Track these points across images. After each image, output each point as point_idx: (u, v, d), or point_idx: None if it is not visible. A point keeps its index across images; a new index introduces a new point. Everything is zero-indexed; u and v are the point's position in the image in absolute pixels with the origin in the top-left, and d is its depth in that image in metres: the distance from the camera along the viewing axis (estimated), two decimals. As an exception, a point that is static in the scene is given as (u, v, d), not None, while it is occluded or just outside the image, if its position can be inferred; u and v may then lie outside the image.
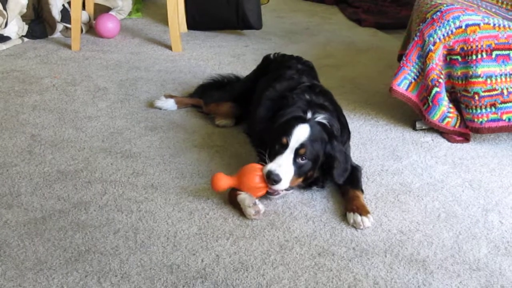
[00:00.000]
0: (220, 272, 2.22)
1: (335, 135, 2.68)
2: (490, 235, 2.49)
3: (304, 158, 2.58)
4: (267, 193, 2.61)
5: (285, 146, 2.58)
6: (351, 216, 2.53)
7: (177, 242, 2.39)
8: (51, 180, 2.80)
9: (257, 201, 2.53)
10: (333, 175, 2.65)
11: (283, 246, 2.38)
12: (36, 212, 2.55)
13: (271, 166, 2.55)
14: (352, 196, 2.64)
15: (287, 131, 2.59)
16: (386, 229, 2.51)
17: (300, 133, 2.59)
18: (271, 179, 2.53)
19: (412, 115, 3.46)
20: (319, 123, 2.67)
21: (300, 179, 2.64)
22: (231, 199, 2.62)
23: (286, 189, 2.62)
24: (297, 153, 2.57)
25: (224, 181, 2.58)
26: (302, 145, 2.57)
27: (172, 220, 2.53)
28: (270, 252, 2.34)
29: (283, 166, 2.55)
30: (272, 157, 2.59)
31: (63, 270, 2.21)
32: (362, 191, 2.71)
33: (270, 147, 2.64)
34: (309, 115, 2.68)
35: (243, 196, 2.55)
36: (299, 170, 2.59)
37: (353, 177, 2.75)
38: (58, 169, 2.90)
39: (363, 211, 2.54)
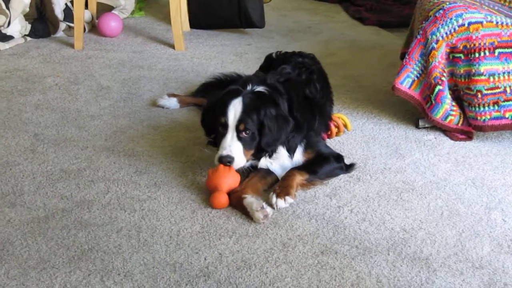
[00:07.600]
0: (223, 271, 2.23)
1: (275, 102, 2.68)
2: (493, 233, 2.49)
3: (247, 132, 2.63)
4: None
5: (225, 126, 2.63)
6: (271, 196, 2.60)
7: (180, 240, 2.39)
8: (54, 179, 2.81)
9: (264, 204, 2.52)
10: (262, 142, 2.66)
11: (286, 244, 2.38)
12: (39, 211, 2.56)
13: (220, 152, 2.62)
14: (286, 175, 2.70)
15: (222, 110, 2.64)
16: (389, 227, 2.51)
17: (235, 109, 2.62)
18: (224, 162, 2.60)
19: (415, 113, 3.45)
20: (255, 92, 2.69)
21: (252, 151, 2.68)
22: (233, 201, 2.61)
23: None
24: (238, 130, 2.62)
25: (224, 197, 2.61)
26: (240, 121, 2.62)
27: (175, 218, 2.53)
28: (273, 251, 2.34)
29: (231, 146, 2.61)
30: (219, 141, 2.66)
31: (66, 268, 2.21)
32: (310, 175, 2.73)
33: (215, 130, 2.70)
34: (248, 87, 2.71)
35: (250, 200, 2.54)
36: (247, 144, 2.64)
37: (313, 161, 2.79)
38: (61, 168, 2.90)
39: (282, 192, 2.59)
